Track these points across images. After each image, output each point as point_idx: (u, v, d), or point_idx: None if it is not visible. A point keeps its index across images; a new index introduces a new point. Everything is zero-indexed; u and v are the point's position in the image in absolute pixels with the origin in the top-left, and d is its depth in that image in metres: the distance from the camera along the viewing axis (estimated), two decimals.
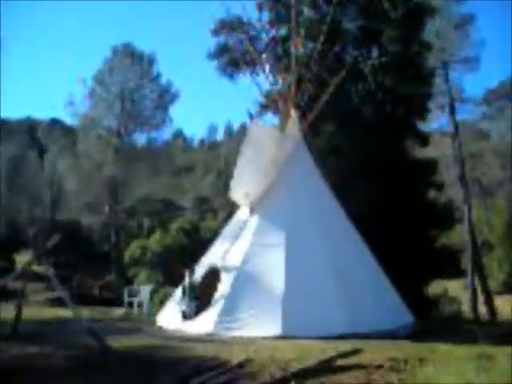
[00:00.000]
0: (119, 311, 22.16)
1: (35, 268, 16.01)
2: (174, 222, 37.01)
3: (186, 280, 17.17)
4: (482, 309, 32.26)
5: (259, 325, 14.25)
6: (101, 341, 12.33)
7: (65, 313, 16.93)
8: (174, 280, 25.59)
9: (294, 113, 18.29)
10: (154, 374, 10.14)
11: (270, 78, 20.64)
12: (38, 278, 23.73)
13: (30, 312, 17.06)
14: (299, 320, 14.07)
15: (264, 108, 25.44)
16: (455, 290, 35.15)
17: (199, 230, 36.25)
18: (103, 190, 45.56)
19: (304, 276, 14.99)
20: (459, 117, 36.70)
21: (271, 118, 25.86)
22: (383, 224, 21.15)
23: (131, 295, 22.99)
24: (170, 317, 17.01)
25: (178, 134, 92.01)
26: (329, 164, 21.11)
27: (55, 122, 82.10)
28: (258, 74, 22.55)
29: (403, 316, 16.58)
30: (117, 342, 12.69)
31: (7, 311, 15.07)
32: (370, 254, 17.38)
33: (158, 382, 9.63)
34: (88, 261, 41.14)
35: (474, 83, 65.28)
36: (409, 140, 25.74)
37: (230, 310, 14.92)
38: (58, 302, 21.05)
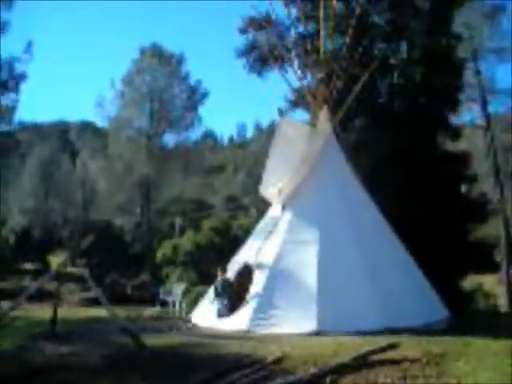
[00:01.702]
0: (153, 310, 22.34)
1: (70, 269, 16.16)
2: (206, 220, 37.10)
3: (219, 278, 17.29)
4: None
5: (294, 321, 14.30)
6: (136, 339, 12.46)
7: (100, 312, 17.14)
8: (207, 279, 25.75)
9: (323, 108, 18.24)
10: (189, 371, 10.23)
11: (299, 74, 20.55)
12: (73, 278, 24.13)
13: (66, 312, 17.35)
14: (334, 316, 14.11)
15: (294, 104, 25.44)
16: (490, 284, 34.78)
17: (231, 228, 36.27)
18: (135, 191, 45.87)
19: (337, 272, 14.99)
20: (491, 108, 36.10)
21: (301, 114, 25.89)
22: (416, 218, 20.97)
23: (165, 294, 23.18)
24: (204, 315, 17.14)
25: (208, 134, 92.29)
26: (360, 159, 21.01)
27: (86, 124, 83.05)
28: (287, 71, 22.53)
29: (438, 310, 16.49)
30: (152, 340, 12.84)
31: (44, 312, 15.34)
32: (403, 248, 17.31)
33: (193, 379, 9.70)
34: (121, 261, 41.43)
35: (506, 74, 63.76)
36: (440, 133, 25.43)
37: (264, 307, 15.00)
38: (93, 302, 21.42)
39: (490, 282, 35.24)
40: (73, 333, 14.83)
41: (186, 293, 23.44)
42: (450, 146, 27.11)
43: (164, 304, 22.17)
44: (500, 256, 33.47)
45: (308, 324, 14.09)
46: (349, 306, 14.31)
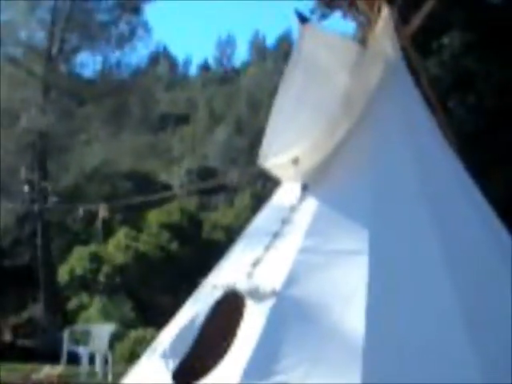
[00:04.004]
0: (52, 370, 22.51)
1: None
2: (153, 212, 37.20)
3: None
4: None
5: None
6: None
7: None
8: (155, 315, 26.03)
9: (385, 12, 18.07)
10: None
11: None
12: None
13: None
14: (391, 374, 14.10)
15: (327, 4, 25.50)
16: None
17: (200, 225, 36.52)
18: (21, 157, 46.00)
19: (402, 307, 14.98)
20: None
21: (341, 24, 25.91)
22: None
23: (75, 342, 23.38)
24: (150, 379, 17.21)
25: (161, 56, 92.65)
26: (453, 106, 21.13)
27: None
28: None
29: None
30: None
31: None
32: None
33: None
34: None
35: None
36: None
37: (265, 367, 14.87)
38: None
39: None
40: None
41: (114, 340, 23.66)
42: None
43: (74, 359, 22.38)
44: None
45: None
46: (421, 365, 14.27)
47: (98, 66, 47.32)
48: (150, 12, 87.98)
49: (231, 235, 19.94)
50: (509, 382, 14.41)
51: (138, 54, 48.94)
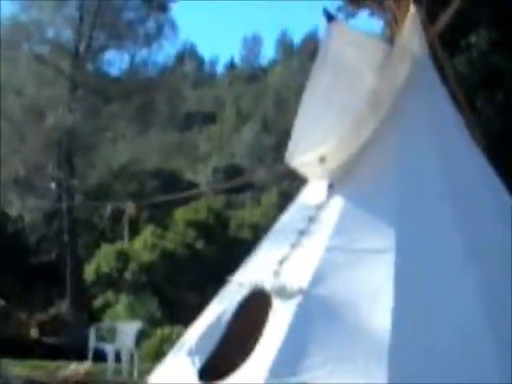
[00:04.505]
0: (79, 367, 22.54)
1: None
2: (180, 210, 37.28)
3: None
4: None
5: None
6: None
7: None
8: (181, 313, 26.08)
9: (412, 10, 18.05)
10: None
11: None
12: None
13: None
14: (418, 380, 14.04)
15: (355, 2, 25.48)
16: None
17: (227, 223, 36.53)
18: (47, 154, 46.08)
19: (428, 306, 14.98)
20: None
21: (368, 22, 25.90)
22: None
23: (101, 339, 23.45)
24: (176, 377, 17.26)
25: (188, 55, 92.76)
26: (480, 104, 21.07)
27: None
28: None
29: None
30: None
31: None
32: None
33: None
34: (19, 278, 41.81)
35: None
36: None
37: (291, 365, 14.88)
38: None
39: None
40: None
41: (141, 337, 23.73)
42: None
43: (101, 356, 22.45)
44: None
45: None
46: (447, 364, 14.30)
47: (125, 65, 47.55)
48: (176, 10, 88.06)
49: (258, 233, 20.02)
50: None
51: (164, 53, 49.25)
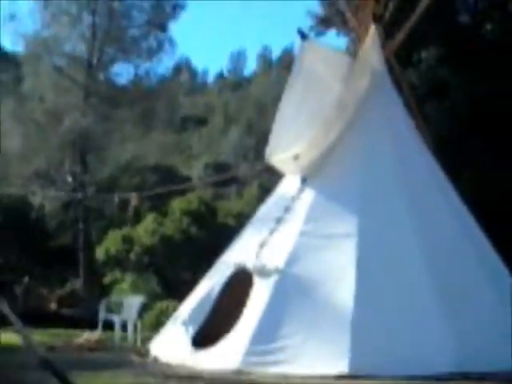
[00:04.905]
0: (91, 335, 22.54)
1: None
2: (176, 200, 37.26)
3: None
4: None
5: (314, 358, 14.30)
6: (62, 379, 12.50)
7: (7, 337, 17.34)
8: (177, 289, 26.08)
9: (372, 30, 18.04)
10: None
11: None
12: None
13: None
14: (376, 351, 14.10)
15: (324, 23, 25.42)
16: None
17: (215, 212, 36.53)
18: (64, 152, 46.02)
19: (386, 284, 15.04)
20: None
21: (335, 40, 25.90)
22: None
23: (110, 311, 23.42)
24: (172, 344, 17.28)
25: (184, 67, 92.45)
26: (429, 110, 21.06)
27: None
28: None
29: None
30: (87, 382, 12.89)
31: None
32: (493, 252, 17.36)
33: None
34: (40, 259, 41.73)
35: None
36: None
37: (269, 334, 15.02)
38: None
39: None
40: None
41: (143, 310, 23.70)
42: None
43: (109, 326, 22.41)
44: None
45: (336, 362, 14.03)
46: (402, 337, 14.39)
47: (131, 75, 47.31)
48: (174, 29, 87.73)
49: (241, 221, 20.01)
50: (477, 348, 14.47)
51: (164, 65, 49.26)
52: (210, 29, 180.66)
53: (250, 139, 63.76)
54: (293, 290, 15.65)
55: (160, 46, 47.16)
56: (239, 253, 17.66)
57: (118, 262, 34.79)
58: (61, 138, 44.65)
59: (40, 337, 16.60)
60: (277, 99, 18.32)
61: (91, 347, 20.16)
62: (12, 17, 44.95)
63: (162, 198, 37.86)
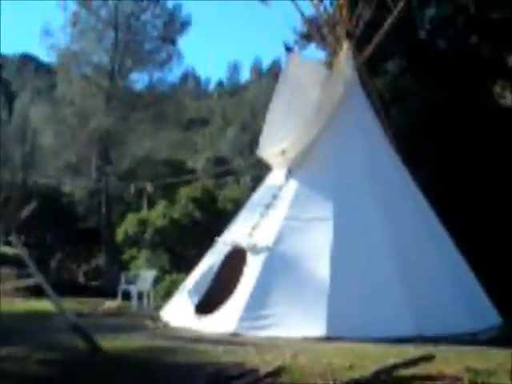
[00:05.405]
0: (112, 303, 22.45)
1: (3, 248, 16.13)
2: (184, 189, 37.10)
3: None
4: None
5: (297, 322, 14.40)
6: (88, 340, 12.47)
7: (42, 305, 17.22)
8: (184, 264, 25.91)
9: (345, 44, 18.13)
10: None
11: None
12: (7, 260, 24.13)
13: None
14: (349, 317, 14.23)
15: (306, 38, 25.23)
16: None
17: (216, 199, 36.36)
18: (91, 148, 45.95)
19: (357, 261, 15.10)
20: None
21: (315, 52, 25.74)
22: (463, 195, 21.00)
23: (128, 283, 23.30)
24: (179, 311, 17.28)
25: (190, 75, 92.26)
26: (393, 114, 20.95)
27: (28, 59, 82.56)
28: None
29: (487, 316, 16.50)
30: (109, 342, 12.86)
31: None
32: (445, 234, 17.41)
33: None
34: (70, 239, 41.57)
35: None
36: (498, 82, 25.40)
37: (259, 302, 15.10)
38: (33, 292, 21.45)
39: None
40: (7, 331, 14.82)
41: (155, 282, 23.59)
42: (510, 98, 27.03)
43: (127, 296, 22.28)
44: None
45: (315, 327, 14.15)
46: (370, 305, 14.47)
47: (146, 82, 47.18)
48: (181, 43, 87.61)
49: (237, 206, 19.93)
50: (433, 315, 14.61)
51: (173, 74, 49.32)
52: (211, 43, 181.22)
53: (244, 137, 63.45)
54: (279, 265, 15.66)
55: (170, 58, 47.07)
56: (235, 233, 17.64)
57: (134, 241, 34.56)
58: (87, 136, 44.62)
59: (70, 304, 16.42)
60: (267, 104, 18.24)
61: (112, 313, 20.11)
62: (46, 32, 45.06)
63: (171, 186, 37.75)
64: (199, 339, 14.14)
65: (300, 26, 25.10)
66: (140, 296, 22.10)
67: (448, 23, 25.02)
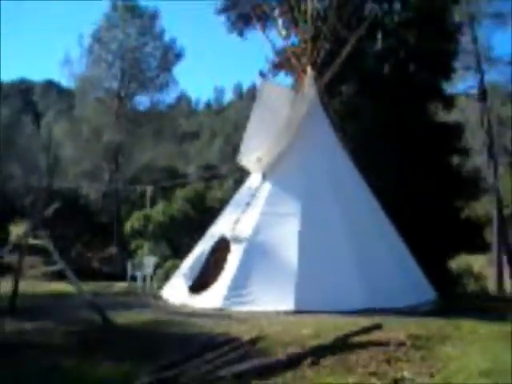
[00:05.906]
0: (122, 285, 22.38)
1: (31, 240, 16.01)
2: (179, 190, 37.09)
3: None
4: (508, 285, 32.05)
5: (271, 299, 14.38)
6: (103, 315, 12.47)
7: (64, 287, 17.13)
8: (179, 252, 25.84)
9: (309, 71, 18.15)
10: (159, 351, 10.19)
11: (284, 33, 20.37)
12: (35, 250, 23.99)
13: (28, 287, 17.22)
14: (314, 294, 14.21)
15: (277, 67, 25.13)
16: (480, 266, 34.93)
17: (206, 199, 36.33)
18: (103, 157, 45.89)
19: (320, 248, 15.06)
20: (488, 78, 35.65)
21: (284, 78, 25.72)
22: (405, 194, 21.06)
23: (134, 268, 23.20)
24: (176, 290, 17.16)
25: (183, 97, 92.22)
26: (347, 128, 20.96)
27: (51, 84, 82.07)
28: (270, 30, 22.27)
29: (425, 292, 16.62)
30: (120, 317, 12.91)
31: (3, 286, 15.21)
32: (390, 225, 17.41)
33: (163, 359, 9.64)
34: (87, 232, 41.41)
35: (505, 41, 62.34)
36: (433, 103, 25.49)
37: (240, 283, 15.06)
38: (57, 276, 21.36)
39: (479, 263, 35.40)
40: (35, 308, 14.75)
41: (157, 267, 23.49)
42: (444, 117, 27.18)
43: (134, 279, 22.17)
44: (491, 236, 33.58)
45: (286, 302, 14.16)
46: (330, 284, 14.47)
47: (147, 103, 47.29)
48: (176, 71, 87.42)
49: (222, 205, 19.93)
50: (382, 291, 14.61)
51: (169, 96, 49.20)
52: (200, 70, 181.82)
53: (228, 148, 63.63)
54: (257, 252, 15.60)
55: (167, 83, 47.32)
56: (221, 227, 17.52)
57: (139, 233, 34.42)
58: (101, 148, 44.67)
59: (87, 287, 16.41)
60: (247, 120, 18.17)
61: (121, 293, 20.03)
62: (66, 61, 45.42)
63: (169, 189, 37.79)
64: (193, 314, 14.17)
65: (272, 56, 25.07)
66: (144, 279, 22.01)
67: (392, 53, 25.04)
